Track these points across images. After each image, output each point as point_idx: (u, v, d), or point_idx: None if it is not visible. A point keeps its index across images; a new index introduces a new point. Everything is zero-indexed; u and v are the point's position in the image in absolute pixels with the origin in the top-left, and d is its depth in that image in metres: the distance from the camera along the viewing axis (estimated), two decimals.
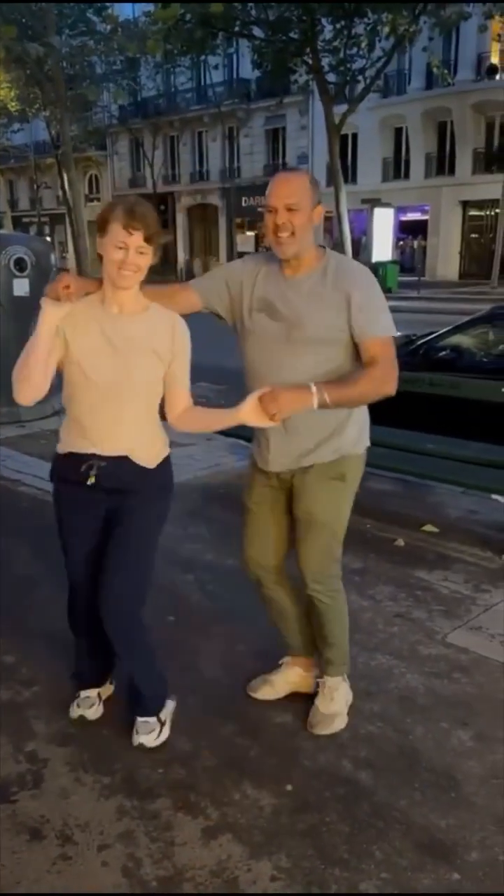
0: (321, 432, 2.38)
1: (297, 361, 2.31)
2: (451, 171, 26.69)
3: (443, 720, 2.61)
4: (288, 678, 2.75)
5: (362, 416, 2.50)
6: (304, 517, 2.45)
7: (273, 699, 2.71)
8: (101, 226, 2.17)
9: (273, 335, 2.34)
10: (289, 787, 2.28)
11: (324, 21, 20.21)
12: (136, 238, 2.10)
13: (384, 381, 2.28)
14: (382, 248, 25.25)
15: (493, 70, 24.45)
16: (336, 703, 2.61)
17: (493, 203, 24.62)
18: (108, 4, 23.39)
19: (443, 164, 27.07)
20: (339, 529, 2.50)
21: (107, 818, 2.17)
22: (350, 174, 28.02)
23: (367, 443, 2.53)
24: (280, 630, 2.73)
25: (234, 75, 31.47)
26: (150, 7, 16.58)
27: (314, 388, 2.17)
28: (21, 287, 6.56)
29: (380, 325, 2.31)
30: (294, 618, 2.67)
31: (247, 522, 2.60)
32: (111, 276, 2.16)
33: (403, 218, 28.01)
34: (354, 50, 20.79)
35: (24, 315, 6.75)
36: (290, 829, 2.13)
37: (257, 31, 21.47)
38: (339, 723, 2.57)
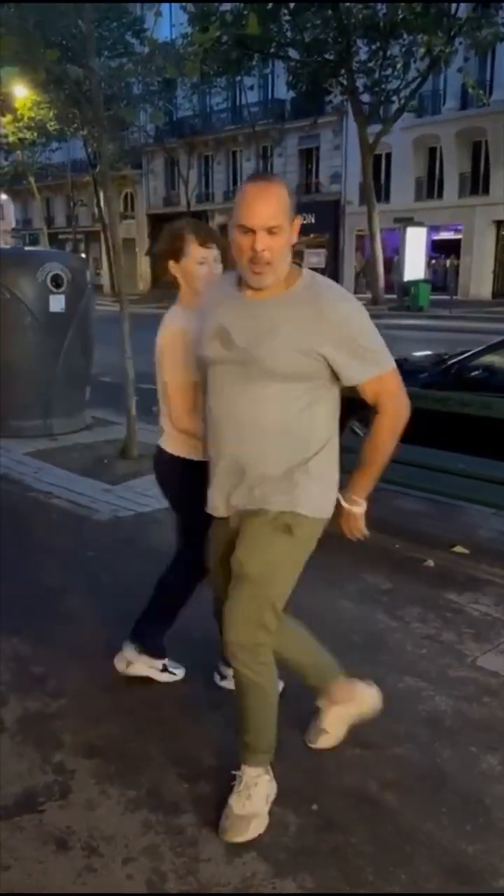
0: (271, 470, 2.04)
1: (257, 402, 2.00)
2: (486, 190, 26.63)
3: (471, 744, 2.58)
4: (339, 717, 2.52)
5: (331, 479, 2.14)
6: (236, 569, 2.08)
7: (334, 744, 2.52)
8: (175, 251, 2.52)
9: (228, 370, 2.04)
10: (314, 807, 2.27)
11: (359, 42, 20.39)
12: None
13: (399, 420, 2.07)
14: (415, 266, 25.24)
15: None
16: (254, 802, 2.16)
17: None
18: (147, 27, 23.82)
19: (477, 183, 27.03)
20: (274, 595, 2.09)
21: (132, 831, 2.18)
22: (383, 193, 28.10)
23: (329, 513, 2.14)
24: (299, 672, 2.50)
25: (269, 95, 31.83)
26: (188, 29, 16.89)
27: (348, 506, 2.17)
28: (57, 303, 6.68)
29: (377, 360, 2.00)
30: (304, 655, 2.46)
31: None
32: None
33: (436, 237, 27.99)
34: (389, 71, 20.94)
35: (60, 331, 6.91)
36: (315, 848, 2.12)
37: (293, 53, 21.73)
38: (257, 826, 2.13)
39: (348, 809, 2.27)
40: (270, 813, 2.22)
